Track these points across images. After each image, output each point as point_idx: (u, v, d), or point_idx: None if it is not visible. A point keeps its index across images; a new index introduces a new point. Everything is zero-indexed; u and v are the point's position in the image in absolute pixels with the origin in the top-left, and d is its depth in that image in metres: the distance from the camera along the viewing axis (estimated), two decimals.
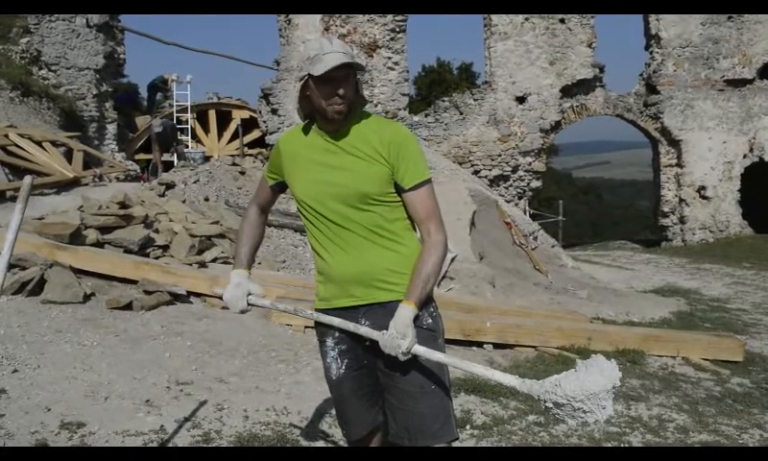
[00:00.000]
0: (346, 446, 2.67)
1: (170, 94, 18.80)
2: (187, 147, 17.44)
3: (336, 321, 2.48)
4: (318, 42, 2.44)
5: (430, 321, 2.48)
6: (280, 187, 2.71)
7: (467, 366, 2.35)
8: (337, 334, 2.57)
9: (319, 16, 16.91)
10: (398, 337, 2.32)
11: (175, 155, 16.03)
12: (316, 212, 2.50)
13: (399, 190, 2.47)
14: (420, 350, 2.34)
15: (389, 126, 2.51)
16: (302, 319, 5.95)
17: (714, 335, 6.92)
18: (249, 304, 2.66)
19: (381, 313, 2.45)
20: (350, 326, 2.45)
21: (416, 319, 2.38)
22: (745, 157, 18.76)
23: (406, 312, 2.36)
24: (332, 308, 2.54)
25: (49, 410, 3.86)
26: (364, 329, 2.43)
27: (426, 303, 2.46)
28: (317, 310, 2.60)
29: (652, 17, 18.47)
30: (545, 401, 2.18)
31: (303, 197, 2.53)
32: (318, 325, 2.62)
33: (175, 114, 17.91)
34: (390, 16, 17.03)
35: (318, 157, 2.50)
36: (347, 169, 2.45)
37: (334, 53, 2.37)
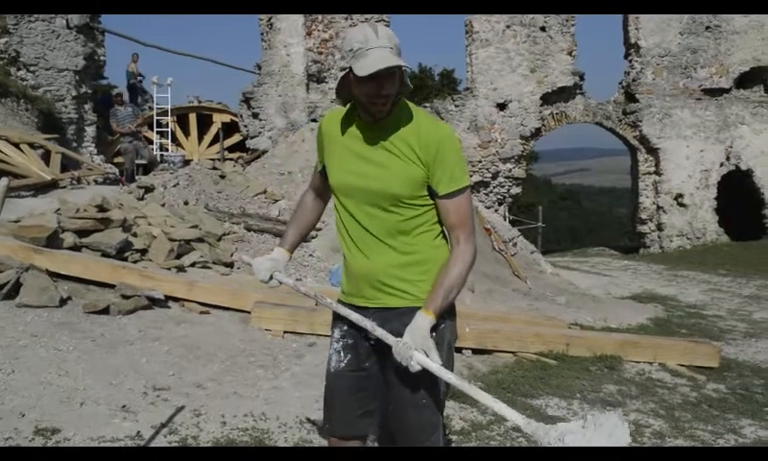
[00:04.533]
0: (323, 446, 2.65)
1: (141, 80, 18.72)
2: (167, 150, 17.33)
3: (354, 316, 2.44)
4: (362, 32, 2.27)
5: (434, 334, 2.35)
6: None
7: (475, 393, 2.29)
8: (345, 327, 2.53)
9: (301, 21, 16.89)
10: (412, 347, 2.27)
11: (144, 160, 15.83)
12: (344, 209, 2.47)
13: (433, 194, 2.40)
14: (434, 367, 2.28)
15: (430, 125, 2.39)
16: (281, 323, 5.95)
17: (691, 341, 6.98)
18: (272, 278, 2.65)
19: (389, 316, 2.42)
20: (368, 324, 2.41)
21: None
22: (722, 165, 19.00)
23: (423, 322, 2.31)
24: (349, 304, 2.52)
25: (23, 416, 3.81)
26: (381, 332, 2.37)
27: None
28: (339, 302, 2.57)
29: (631, 26, 18.67)
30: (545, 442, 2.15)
31: (336, 187, 2.48)
32: (333, 312, 2.58)
33: (155, 120, 17.78)
34: (372, 22, 17.04)
35: (355, 146, 2.43)
36: (381, 165, 2.37)
37: (380, 48, 2.22)
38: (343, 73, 2.36)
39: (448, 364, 2.41)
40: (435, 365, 2.28)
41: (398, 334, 2.33)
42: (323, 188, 2.70)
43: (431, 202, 2.42)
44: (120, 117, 14.95)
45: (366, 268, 2.44)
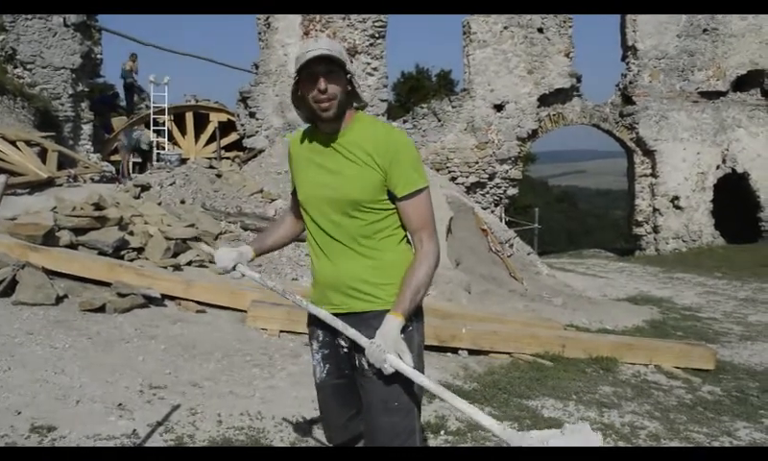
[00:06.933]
0: (321, 446, 2.66)
1: (137, 77, 18.74)
2: (163, 149, 17.32)
3: (323, 313, 2.48)
4: (305, 44, 2.43)
5: (402, 336, 2.37)
6: None
7: (450, 399, 2.29)
8: (321, 338, 2.57)
9: (299, 20, 16.89)
10: (385, 349, 2.29)
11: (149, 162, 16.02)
12: (311, 219, 2.53)
13: (393, 198, 2.45)
14: (408, 370, 2.29)
15: (385, 132, 2.47)
16: (278, 322, 5.95)
17: (686, 344, 7.00)
18: (235, 269, 2.68)
19: (356, 322, 2.44)
20: (339, 323, 2.43)
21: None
22: (718, 168, 19.06)
23: (394, 324, 2.33)
24: None
25: (19, 413, 3.80)
26: (353, 332, 2.39)
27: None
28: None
29: (629, 28, 18.72)
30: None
31: (303, 200, 2.55)
32: (308, 325, 2.64)
33: (152, 118, 17.75)
34: (369, 22, 17.05)
35: (316, 158, 2.51)
36: (340, 173, 2.44)
37: (317, 50, 2.36)
38: (294, 84, 2.47)
39: (419, 366, 2.43)
40: (409, 368, 2.30)
41: (369, 339, 2.36)
42: (298, 210, 2.74)
43: (392, 207, 2.47)
44: (127, 140, 15.37)
45: (334, 274, 2.48)
